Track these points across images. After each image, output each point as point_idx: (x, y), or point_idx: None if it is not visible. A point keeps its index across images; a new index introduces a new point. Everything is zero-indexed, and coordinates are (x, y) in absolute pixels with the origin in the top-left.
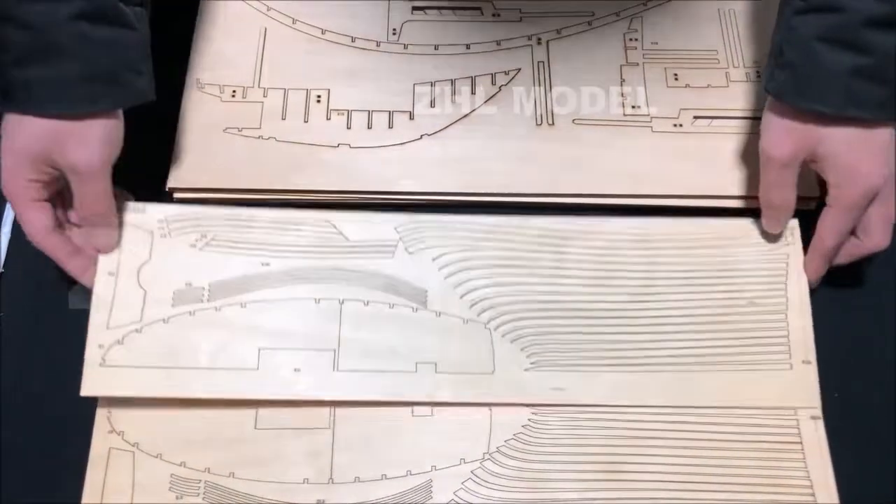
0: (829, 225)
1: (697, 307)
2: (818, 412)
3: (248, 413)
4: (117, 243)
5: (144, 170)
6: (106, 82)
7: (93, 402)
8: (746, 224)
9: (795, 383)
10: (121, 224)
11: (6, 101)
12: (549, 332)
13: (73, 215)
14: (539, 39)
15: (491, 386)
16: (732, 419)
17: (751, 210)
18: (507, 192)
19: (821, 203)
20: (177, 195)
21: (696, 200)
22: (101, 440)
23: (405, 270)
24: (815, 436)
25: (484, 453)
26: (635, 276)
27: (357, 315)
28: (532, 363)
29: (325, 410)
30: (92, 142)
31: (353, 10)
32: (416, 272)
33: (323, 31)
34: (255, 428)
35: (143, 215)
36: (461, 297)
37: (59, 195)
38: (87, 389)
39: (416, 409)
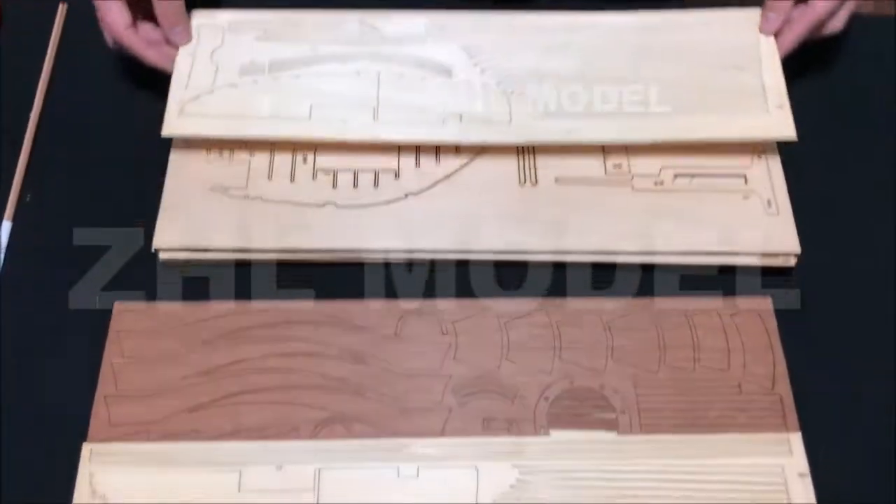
0: None
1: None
2: (805, 470)
3: (232, 476)
4: (190, 39)
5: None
6: None
7: (91, 403)
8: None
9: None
10: (197, 24)
11: None
12: (560, 92)
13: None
14: None
15: (509, 130)
16: (721, 476)
17: (730, 268)
18: (491, 250)
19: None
20: (162, 255)
21: (678, 257)
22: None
23: (434, 53)
24: (803, 493)
25: None
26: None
27: (392, 83)
28: (547, 114)
29: (311, 471)
30: None
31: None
32: (444, 54)
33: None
34: (239, 491)
35: (215, 19)
36: (483, 71)
37: None
38: (168, 131)
39: (402, 469)
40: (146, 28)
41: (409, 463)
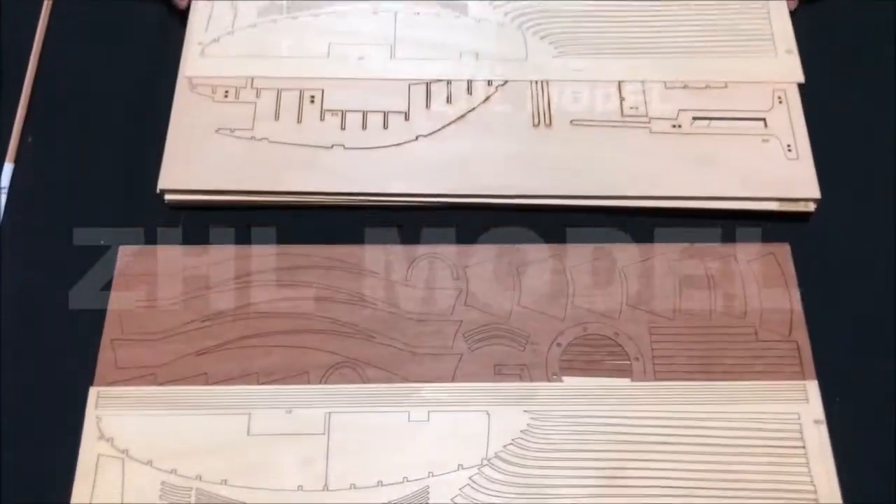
0: None
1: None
2: (821, 417)
3: (241, 419)
4: None
5: (135, 171)
6: None
7: (96, 349)
8: None
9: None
10: None
11: None
12: (575, 31)
13: None
14: None
15: (524, 68)
16: (735, 423)
17: (748, 213)
18: (503, 193)
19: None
20: (168, 196)
21: (694, 202)
22: (89, 446)
23: None
24: (819, 440)
25: (482, 459)
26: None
27: (408, 21)
28: (562, 52)
29: (321, 415)
30: None
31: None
32: None
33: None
34: (248, 434)
35: None
36: (497, 8)
37: None
38: (191, 72)
39: (413, 413)
40: None
41: (419, 407)
